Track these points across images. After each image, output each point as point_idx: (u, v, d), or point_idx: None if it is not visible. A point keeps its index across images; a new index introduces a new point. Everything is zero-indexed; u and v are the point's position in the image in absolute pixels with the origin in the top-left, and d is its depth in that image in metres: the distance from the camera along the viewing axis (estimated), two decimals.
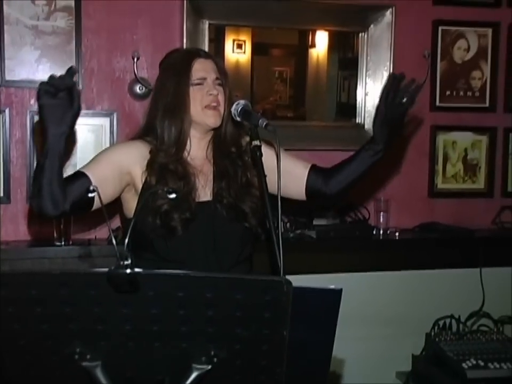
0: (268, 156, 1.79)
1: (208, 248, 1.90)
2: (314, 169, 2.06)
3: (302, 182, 2.03)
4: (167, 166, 1.90)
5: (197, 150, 1.99)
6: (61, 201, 1.74)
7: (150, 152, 1.92)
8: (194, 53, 2.04)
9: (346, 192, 2.08)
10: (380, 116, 1.89)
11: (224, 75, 1.99)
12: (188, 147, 1.96)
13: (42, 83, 1.63)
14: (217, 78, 1.96)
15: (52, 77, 1.62)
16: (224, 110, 1.95)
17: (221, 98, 1.95)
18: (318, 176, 2.04)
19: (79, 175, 1.84)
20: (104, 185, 1.80)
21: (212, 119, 1.93)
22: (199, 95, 1.92)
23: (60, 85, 1.60)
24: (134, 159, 1.91)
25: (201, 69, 1.95)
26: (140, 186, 1.91)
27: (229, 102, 1.95)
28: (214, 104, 1.92)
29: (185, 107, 1.91)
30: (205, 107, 1.92)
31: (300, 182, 2.04)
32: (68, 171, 2.70)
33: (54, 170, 1.71)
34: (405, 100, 1.85)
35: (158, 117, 1.94)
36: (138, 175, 1.90)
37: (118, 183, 1.90)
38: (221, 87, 1.96)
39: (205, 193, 1.95)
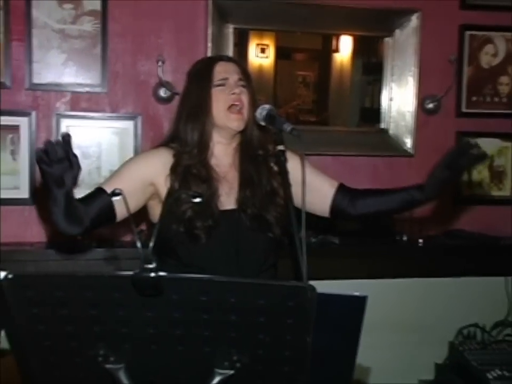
0: (293, 166, 1.78)
1: (231, 257, 1.90)
2: (341, 189, 2.04)
3: (328, 200, 2.03)
4: (190, 169, 1.91)
5: (223, 156, 1.98)
6: (79, 220, 1.78)
7: (174, 156, 1.93)
8: (216, 58, 2.08)
9: (371, 218, 2.08)
10: (440, 177, 1.88)
11: (247, 77, 1.99)
12: (212, 152, 1.96)
13: (38, 151, 1.57)
14: (240, 79, 1.95)
15: (47, 144, 1.56)
16: (248, 113, 1.94)
17: (244, 99, 1.93)
18: (345, 196, 2.02)
19: (99, 192, 1.86)
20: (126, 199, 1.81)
21: (235, 123, 1.92)
22: (222, 96, 1.92)
23: (53, 157, 1.56)
24: (156, 169, 1.92)
25: (222, 70, 1.95)
26: (164, 193, 1.92)
27: (253, 104, 1.95)
28: (237, 103, 1.91)
29: (207, 109, 1.92)
30: (228, 109, 1.91)
31: (326, 200, 2.03)
32: (92, 174, 2.77)
33: (62, 204, 1.69)
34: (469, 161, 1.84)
35: (182, 122, 1.96)
36: (162, 183, 1.91)
37: (141, 195, 1.91)
38: (244, 89, 1.95)
39: (229, 201, 1.94)
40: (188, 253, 1.88)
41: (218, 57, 2.08)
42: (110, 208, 1.83)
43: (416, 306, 3.01)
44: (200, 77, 1.97)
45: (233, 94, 1.91)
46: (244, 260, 1.90)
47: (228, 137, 1.97)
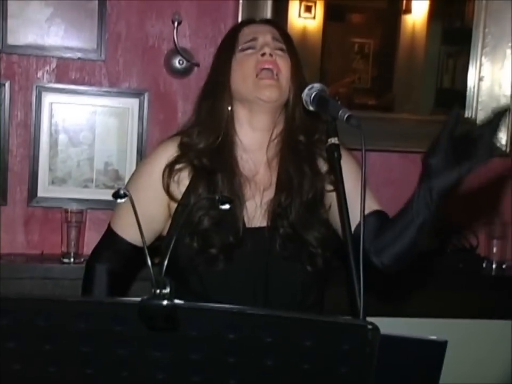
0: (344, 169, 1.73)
1: (258, 290, 1.90)
2: (376, 215, 1.98)
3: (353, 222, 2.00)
4: (199, 157, 1.92)
5: (255, 149, 1.98)
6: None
7: (179, 145, 1.96)
8: (246, 20, 2.09)
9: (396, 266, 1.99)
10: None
11: (286, 39, 1.98)
12: (241, 141, 1.96)
13: None
14: (275, 39, 1.95)
15: None
16: (288, 85, 1.93)
17: (281, 64, 1.91)
18: (375, 224, 1.95)
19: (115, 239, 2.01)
20: (151, 226, 1.95)
21: (267, 91, 1.89)
22: (249, 60, 1.91)
23: None
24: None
25: (251, 32, 1.96)
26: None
27: (296, 75, 1.94)
28: (269, 66, 1.89)
29: (223, 85, 1.93)
30: (257, 76, 1.90)
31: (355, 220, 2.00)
32: (82, 166, 2.80)
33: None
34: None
35: (197, 103, 2.01)
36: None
37: (164, 211, 1.97)
38: (282, 53, 1.94)
39: (258, 211, 1.94)
40: (199, 280, 1.89)
41: (249, 20, 2.10)
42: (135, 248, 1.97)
43: (507, 355, 2.99)
44: (223, 44, 2.01)
45: (263, 54, 1.90)
46: (275, 295, 1.90)
47: (263, 118, 1.95)
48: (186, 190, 1.93)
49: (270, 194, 1.96)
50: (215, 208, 1.85)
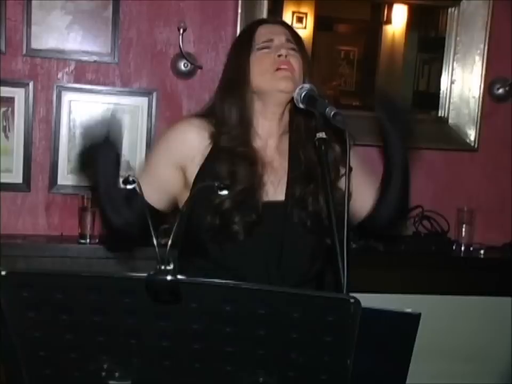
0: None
1: (272, 261, 1.89)
2: None
3: (368, 205, 2.01)
4: (232, 151, 1.88)
5: (269, 137, 1.96)
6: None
7: (211, 136, 1.91)
8: (261, 20, 2.06)
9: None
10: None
11: (298, 40, 1.97)
12: (256, 132, 1.94)
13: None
14: (288, 41, 1.94)
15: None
16: (301, 79, 1.91)
17: (295, 63, 1.91)
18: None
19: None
20: (167, 190, 1.93)
21: (283, 83, 1.87)
22: (266, 59, 1.90)
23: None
24: (192, 148, 1.91)
25: (267, 32, 1.94)
26: (193, 174, 1.90)
27: (307, 71, 1.93)
28: (285, 66, 1.88)
29: (246, 77, 1.90)
30: (274, 71, 1.88)
31: (366, 204, 2.01)
32: None
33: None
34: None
35: (218, 98, 1.95)
36: (194, 163, 1.90)
37: (179, 179, 1.93)
38: (294, 52, 1.93)
39: (277, 192, 1.93)
40: (220, 252, 1.87)
41: (263, 20, 2.08)
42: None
43: (474, 329, 2.99)
44: (240, 42, 1.98)
45: (279, 56, 1.89)
46: (287, 265, 1.89)
47: (275, 109, 1.94)
48: (205, 163, 1.90)
49: (283, 175, 1.95)
50: (239, 193, 1.84)
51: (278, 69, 1.88)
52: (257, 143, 1.94)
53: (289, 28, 2.00)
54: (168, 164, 1.93)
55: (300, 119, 1.96)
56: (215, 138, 1.91)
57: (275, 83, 1.89)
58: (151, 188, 1.85)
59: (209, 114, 1.96)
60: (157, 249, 1.19)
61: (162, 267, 1.16)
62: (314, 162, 1.92)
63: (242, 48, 1.94)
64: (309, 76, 1.93)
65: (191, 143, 1.92)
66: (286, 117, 1.98)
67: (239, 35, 2.04)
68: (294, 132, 1.98)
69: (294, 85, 1.87)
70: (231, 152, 1.89)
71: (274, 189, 1.93)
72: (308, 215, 1.91)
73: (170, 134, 1.97)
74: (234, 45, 2.02)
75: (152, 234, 1.22)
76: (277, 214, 1.90)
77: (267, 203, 1.90)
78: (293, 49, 1.93)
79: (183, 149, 1.92)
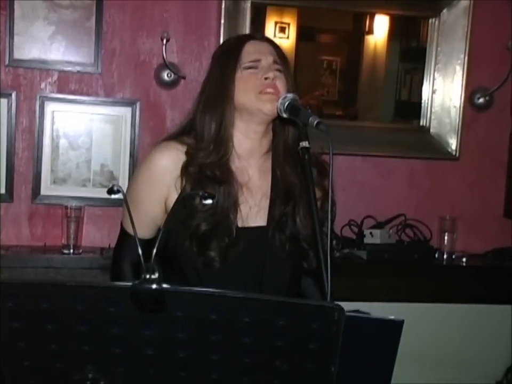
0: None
1: (252, 288, 1.86)
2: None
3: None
4: (203, 169, 1.87)
5: (249, 157, 1.94)
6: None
7: (186, 153, 1.89)
8: (247, 36, 2.05)
9: None
10: None
11: (284, 61, 1.96)
12: (236, 152, 1.92)
13: None
14: (275, 62, 1.92)
15: None
16: None
17: (280, 86, 1.89)
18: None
19: (128, 237, 1.96)
20: (156, 222, 1.94)
21: (268, 105, 1.85)
22: (252, 80, 1.88)
23: None
24: (170, 175, 1.88)
25: (254, 50, 1.92)
26: (173, 198, 1.88)
27: (292, 88, 1.91)
28: (271, 90, 1.86)
29: (229, 95, 1.88)
30: (259, 93, 1.87)
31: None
32: (81, 168, 2.79)
33: None
34: None
35: (198, 111, 1.93)
36: (173, 187, 1.88)
37: (164, 207, 1.92)
38: (280, 74, 1.91)
39: (256, 216, 1.91)
40: (197, 277, 1.87)
41: (250, 35, 2.06)
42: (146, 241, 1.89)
43: (458, 337, 3.00)
44: (226, 57, 1.94)
45: (266, 78, 1.88)
46: (267, 291, 1.87)
47: (257, 127, 1.92)
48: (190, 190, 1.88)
49: (264, 196, 1.93)
50: (212, 214, 1.83)
51: (264, 92, 1.87)
52: (236, 163, 1.92)
53: (276, 47, 1.98)
54: (157, 200, 1.91)
55: (280, 138, 1.96)
56: (191, 154, 1.88)
57: (260, 104, 1.87)
58: (143, 225, 1.88)
59: (189, 129, 1.95)
60: (142, 259, 1.19)
61: (147, 276, 1.17)
62: (292, 181, 1.92)
63: (228, 65, 1.92)
64: (292, 89, 1.91)
65: (172, 172, 1.89)
66: (269, 135, 1.96)
67: (225, 49, 2.00)
68: (274, 150, 1.97)
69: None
70: (203, 173, 1.87)
71: (256, 213, 1.91)
72: (287, 239, 1.90)
73: (152, 166, 1.92)
74: (219, 58, 1.98)
75: (137, 244, 1.22)
76: (257, 239, 1.89)
77: (247, 228, 1.88)
78: (279, 70, 1.91)
79: (165, 180, 1.89)
